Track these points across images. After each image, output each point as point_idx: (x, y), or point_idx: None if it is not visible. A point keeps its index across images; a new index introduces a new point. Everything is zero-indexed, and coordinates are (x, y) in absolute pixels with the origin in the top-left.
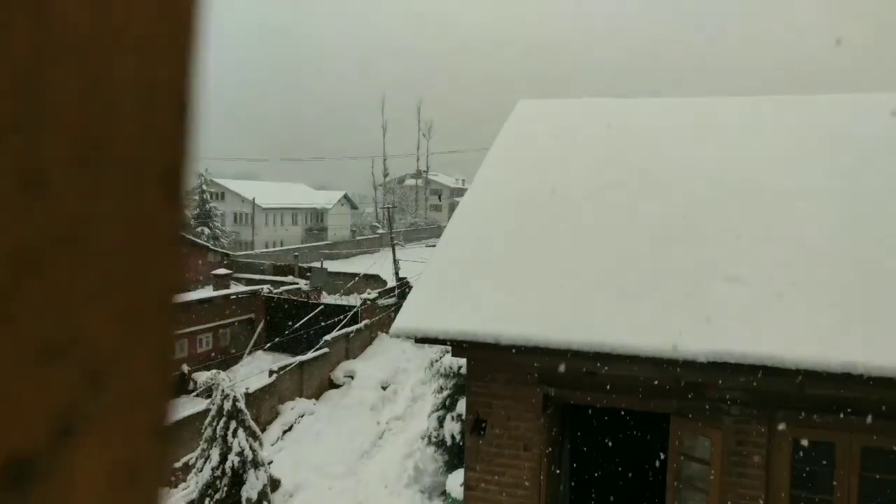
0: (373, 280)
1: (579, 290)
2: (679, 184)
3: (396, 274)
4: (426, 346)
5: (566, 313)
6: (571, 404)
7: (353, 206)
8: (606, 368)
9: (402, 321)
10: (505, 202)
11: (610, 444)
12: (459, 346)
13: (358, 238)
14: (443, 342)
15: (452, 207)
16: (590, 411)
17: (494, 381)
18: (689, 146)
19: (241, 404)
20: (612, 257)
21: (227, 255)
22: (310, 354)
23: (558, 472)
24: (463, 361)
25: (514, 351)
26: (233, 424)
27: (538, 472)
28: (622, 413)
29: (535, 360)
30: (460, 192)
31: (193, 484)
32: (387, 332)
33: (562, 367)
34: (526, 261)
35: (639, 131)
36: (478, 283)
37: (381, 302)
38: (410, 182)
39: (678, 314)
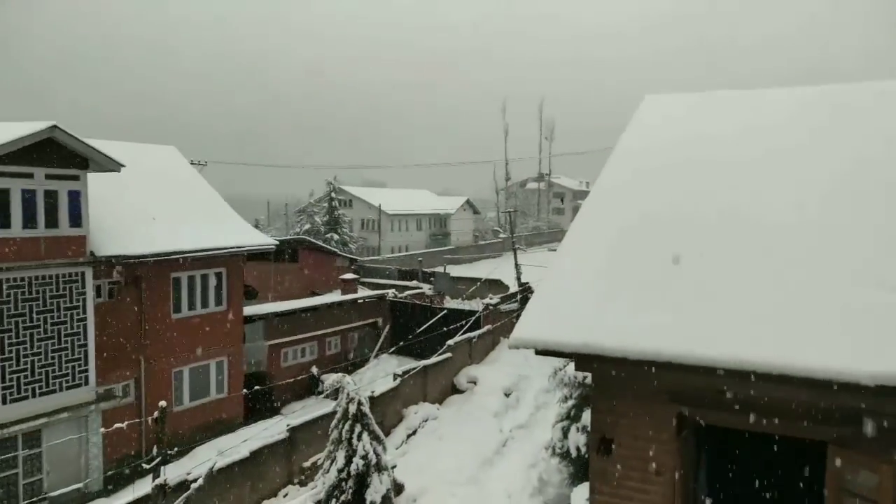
0: (495, 285)
1: (717, 300)
2: (823, 181)
3: (518, 279)
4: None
5: (703, 325)
6: (709, 426)
7: (476, 211)
8: (750, 389)
9: (522, 331)
10: (629, 206)
11: (754, 471)
12: (583, 360)
13: (480, 243)
14: (565, 355)
15: (575, 210)
16: (732, 435)
17: (622, 397)
18: (828, 137)
19: (366, 408)
20: (752, 266)
21: (355, 260)
22: (433, 359)
23: (693, 499)
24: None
25: (644, 366)
26: (357, 428)
27: (671, 499)
28: (769, 438)
29: (668, 377)
30: (583, 194)
31: (321, 484)
32: (506, 337)
33: (698, 385)
34: (655, 269)
35: (773, 124)
36: (602, 292)
37: (503, 307)
38: (532, 185)
39: (837, 329)
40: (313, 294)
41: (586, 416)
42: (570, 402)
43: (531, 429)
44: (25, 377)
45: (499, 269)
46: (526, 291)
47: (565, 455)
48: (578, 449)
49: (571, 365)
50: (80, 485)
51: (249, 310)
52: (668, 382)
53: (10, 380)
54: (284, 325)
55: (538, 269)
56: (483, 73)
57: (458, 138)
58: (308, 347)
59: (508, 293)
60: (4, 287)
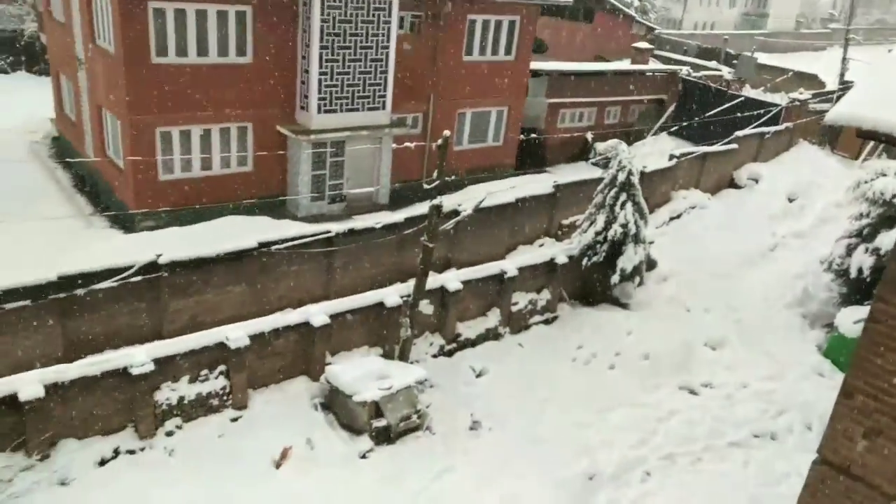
0: (808, 80)
1: None
2: None
3: (841, 76)
4: (856, 164)
5: None
6: None
7: None
8: None
9: (847, 105)
10: None
11: None
12: None
13: (803, 31)
14: None
15: None
16: None
17: None
18: None
19: (635, 179)
20: None
21: (653, 29)
22: (716, 147)
23: None
24: None
25: None
26: (623, 196)
27: None
28: None
29: None
30: None
31: (576, 242)
32: (810, 140)
33: None
34: None
35: None
36: None
37: (813, 106)
38: None
39: None
40: (601, 59)
41: (881, 239)
42: (867, 220)
43: (808, 240)
44: (336, 93)
45: (820, 63)
46: (847, 91)
47: (842, 273)
48: (861, 270)
49: (881, 179)
50: (371, 189)
51: (536, 64)
52: None
53: (325, 93)
54: (567, 86)
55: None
56: None
57: None
58: (586, 113)
59: (823, 91)
60: (326, 6)
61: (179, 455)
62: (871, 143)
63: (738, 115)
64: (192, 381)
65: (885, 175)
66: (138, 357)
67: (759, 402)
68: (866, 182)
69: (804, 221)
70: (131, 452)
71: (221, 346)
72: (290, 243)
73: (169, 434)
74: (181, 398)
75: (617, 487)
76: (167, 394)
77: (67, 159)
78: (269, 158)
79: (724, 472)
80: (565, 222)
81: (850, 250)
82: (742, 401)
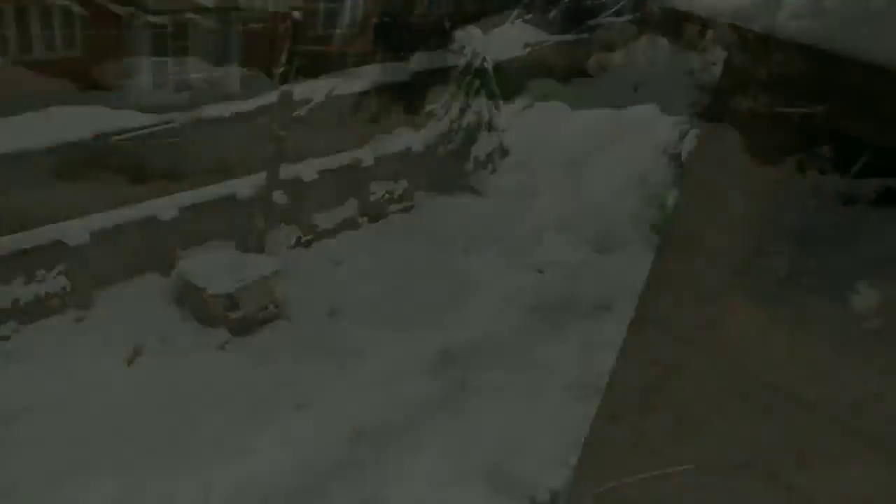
0: None
1: None
2: None
3: None
4: (694, 55)
5: None
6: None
7: None
8: None
9: None
10: None
11: None
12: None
13: None
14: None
15: None
16: None
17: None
18: None
19: (489, 66)
20: None
21: None
22: (569, 36)
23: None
24: None
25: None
26: (476, 84)
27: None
28: None
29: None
30: None
31: (432, 130)
32: (659, 32)
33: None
34: None
35: None
36: None
37: None
38: None
39: None
40: None
41: None
42: (697, 109)
43: (651, 131)
44: None
45: None
46: None
47: (676, 157)
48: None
49: (714, 68)
50: (220, 75)
51: None
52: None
53: None
54: None
55: None
56: None
57: None
58: None
59: None
60: None
61: (19, 360)
62: (709, 35)
63: (592, 3)
64: (28, 282)
65: (714, 64)
66: None
67: (598, 276)
68: (697, 72)
69: (647, 110)
70: None
71: (59, 244)
72: (131, 135)
73: (5, 338)
74: (16, 300)
75: (467, 358)
76: None
77: None
78: (101, 41)
79: (567, 339)
80: (423, 111)
81: (683, 136)
82: (583, 276)
